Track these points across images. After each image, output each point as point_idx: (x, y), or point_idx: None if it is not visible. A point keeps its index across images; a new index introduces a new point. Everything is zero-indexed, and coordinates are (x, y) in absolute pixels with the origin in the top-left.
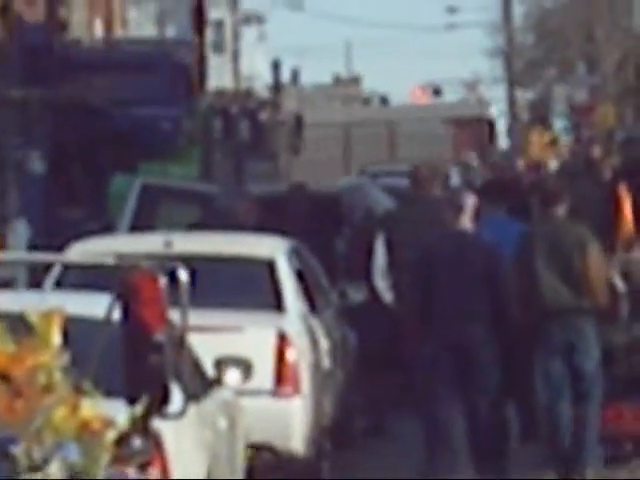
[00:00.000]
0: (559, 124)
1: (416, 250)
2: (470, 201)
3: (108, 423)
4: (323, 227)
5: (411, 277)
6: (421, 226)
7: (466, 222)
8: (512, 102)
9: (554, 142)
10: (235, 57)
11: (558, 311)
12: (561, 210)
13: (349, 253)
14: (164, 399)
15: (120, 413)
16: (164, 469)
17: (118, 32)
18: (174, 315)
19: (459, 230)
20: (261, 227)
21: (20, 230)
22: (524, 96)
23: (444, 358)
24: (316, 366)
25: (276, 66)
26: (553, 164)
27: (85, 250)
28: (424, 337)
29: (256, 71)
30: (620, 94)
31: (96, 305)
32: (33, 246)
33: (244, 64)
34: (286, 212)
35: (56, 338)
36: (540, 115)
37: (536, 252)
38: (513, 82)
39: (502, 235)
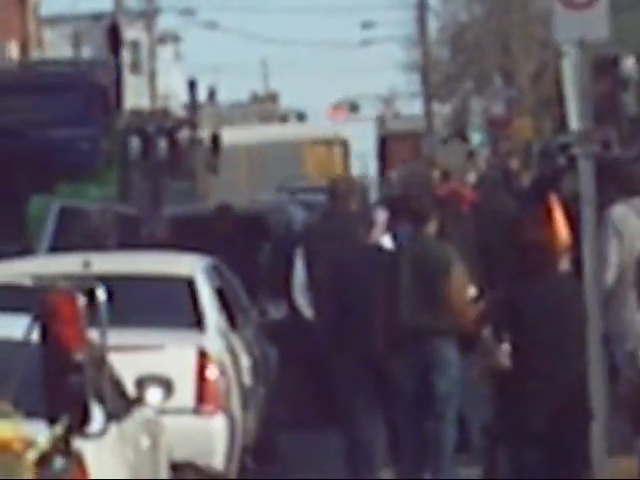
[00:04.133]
0: (476, 137)
1: (330, 265)
2: (382, 216)
3: (29, 443)
4: (247, 246)
5: (326, 292)
6: (338, 241)
7: (377, 236)
8: (429, 116)
9: (471, 155)
10: (152, 77)
11: (415, 331)
12: (431, 228)
13: (271, 270)
14: (85, 419)
15: (41, 433)
16: None
17: (34, 53)
18: (94, 335)
19: (370, 245)
20: (182, 247)
21: None
22: (441, 110)
23: (360, 372)
24: (237, 383)
25: (192, 85)
26: (471, 177)
27: (3, 272)
28: (340, 351)
29: (173, 90)
30: (537, 106)
31: (15, 327)
32: None
33: (161, 83)
34: (210, 232)
35: None
36: (457, 129)
37: (402, 271)
38: (430, 96)
39: None
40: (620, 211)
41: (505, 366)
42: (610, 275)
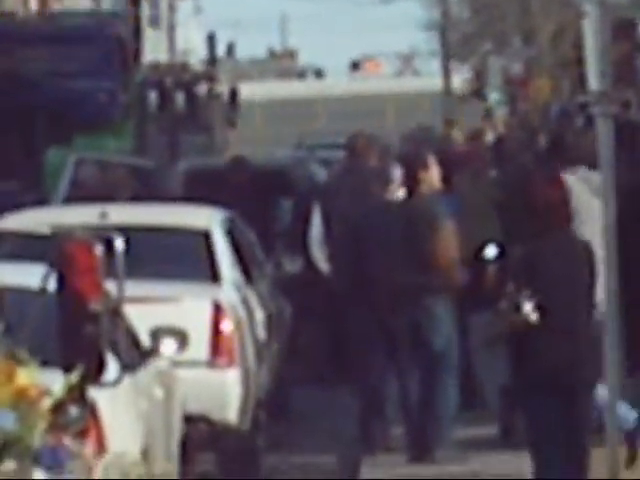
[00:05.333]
0: (494, 96)
1: (347, 220)
2: (398, 172)
3: (44, 391)
4: (264, 199)
5: (342, 247)
6: (356, 196)
7: (394, 192)
8: (447, 75)
9: (489, 114)
10: (171, 31)
11: (407, 289)
12: (425, 186)
13: (293, 225)
14: (99, 368)
15: (56, 382)
16: (99, 437)
17: (53, 5)
18: (110, 285)
19: (386, 200)
20: (198, 200)
21: None
22: (460, 69)
23: (374, 327)
24: (251, 337)
25: (211, 39)
26: (489, 136)
27: (20, 221)
28: (354, 306)
29: (192, 45)
30: (556, 67)
31: (31, 275)
32: None
33: (180, 38)
34: (225, 185)
35: None
36: (475, 88)
37: (394, 229)
38: (449, 55)
39: None
40: (571, 181)
41: (534, 322)
42: None
